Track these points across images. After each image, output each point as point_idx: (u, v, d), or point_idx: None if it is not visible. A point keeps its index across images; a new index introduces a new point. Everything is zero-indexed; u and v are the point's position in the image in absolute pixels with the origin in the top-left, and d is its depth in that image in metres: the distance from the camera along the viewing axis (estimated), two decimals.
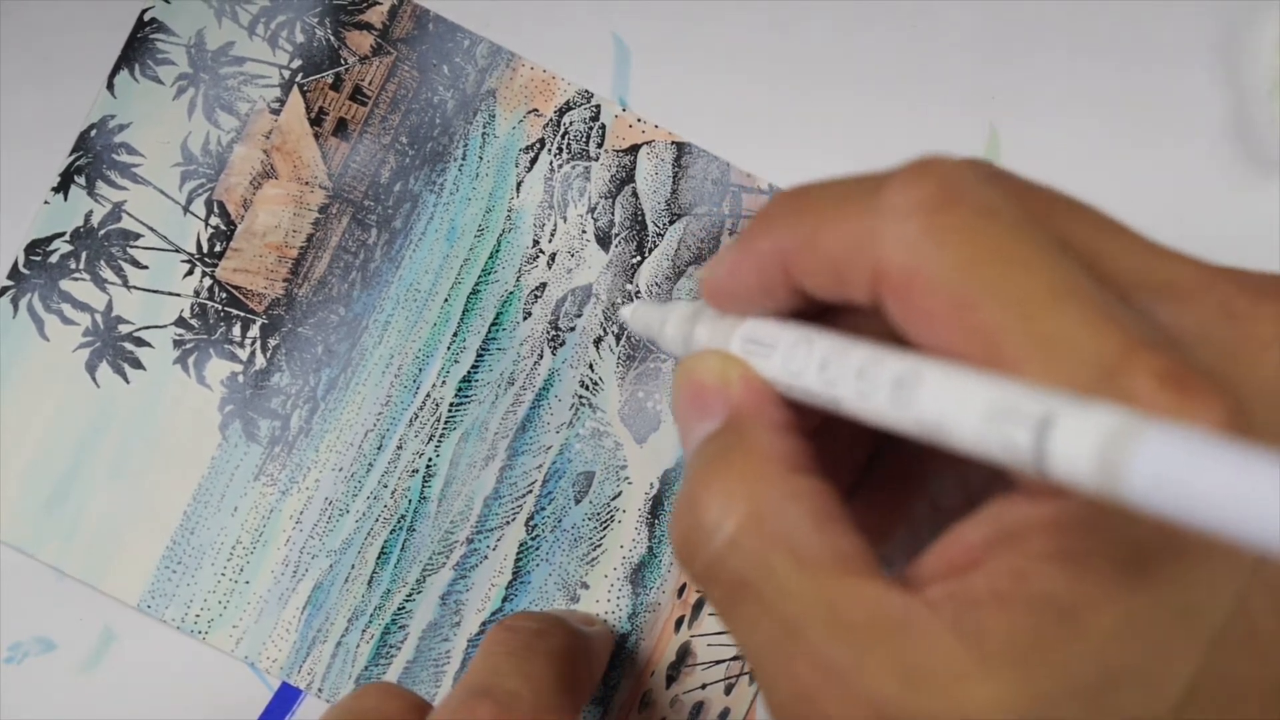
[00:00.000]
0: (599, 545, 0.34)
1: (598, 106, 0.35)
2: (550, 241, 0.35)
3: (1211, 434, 0.16)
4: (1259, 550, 0.15)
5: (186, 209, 0.35)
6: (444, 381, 0.34)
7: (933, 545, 0.21)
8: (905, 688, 0.19)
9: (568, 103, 0.35)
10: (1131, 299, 0.20)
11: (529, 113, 0.35)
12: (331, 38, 0.35)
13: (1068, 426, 0.17)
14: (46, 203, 0.34)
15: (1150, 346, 0.18)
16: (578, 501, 0.34)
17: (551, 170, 0.35)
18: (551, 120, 0.35)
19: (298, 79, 0.35)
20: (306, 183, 0.35)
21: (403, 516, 0.34)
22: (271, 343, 0.34)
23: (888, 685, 0.19)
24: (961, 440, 0.19)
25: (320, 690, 0.34)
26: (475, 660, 0.30)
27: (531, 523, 0.34)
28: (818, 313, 0.23)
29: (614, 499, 0.34)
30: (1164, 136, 0.35)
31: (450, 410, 0.34)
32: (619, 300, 0.35)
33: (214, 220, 0.35)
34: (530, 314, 0.35)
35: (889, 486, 0.27)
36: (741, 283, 0.23)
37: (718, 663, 0.34)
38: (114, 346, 0.34)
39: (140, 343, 0.34)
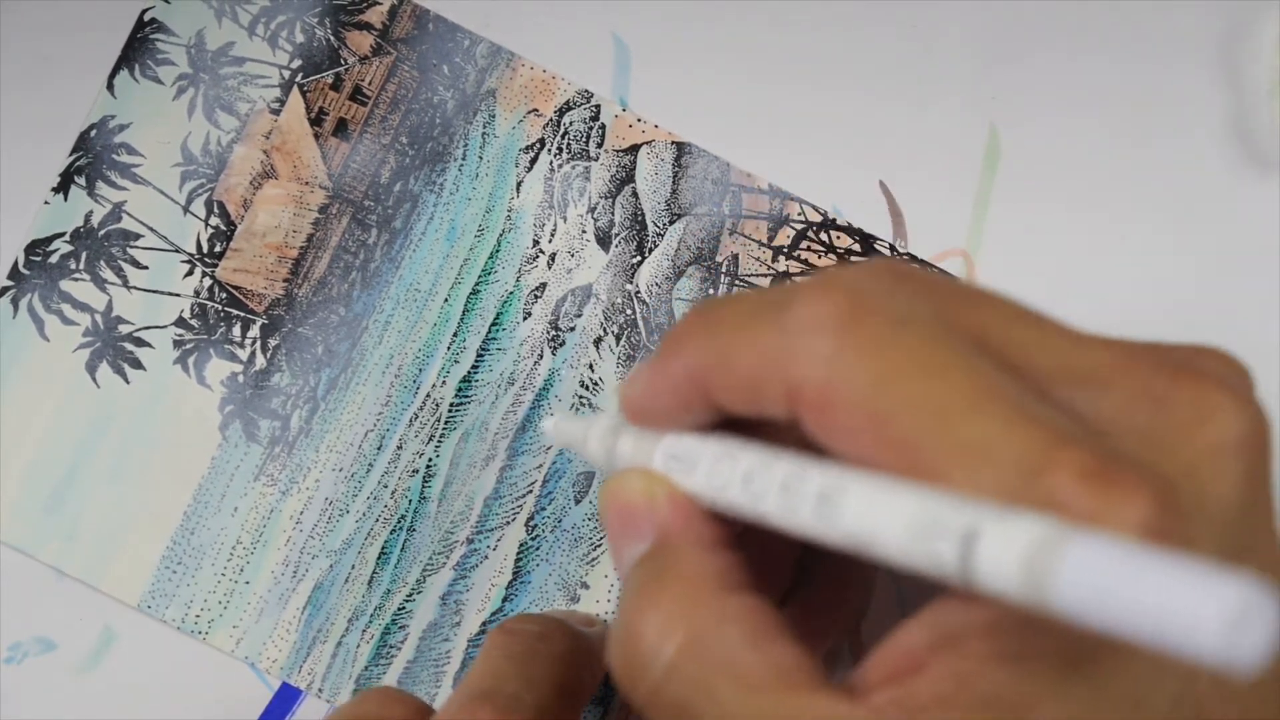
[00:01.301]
0: (599, 545, 0.34)
1: (598, 106, 0.35)
2: (550, 241, 0.35)
3: (1136, 538, 0.17)
4: (1188, 657, 0.15)
5: (186, 209, 0.35)
6: (444, 381, 0.34)
7: (874, 650, 0.21)
8: None
9: (568, 103, 0.35)
10: (1051, 391, 0.20)
11: (529, 113, 0.35)
12: (331, 38, 0.35)
13: (992, 539, 0.17)
14: (46, 203, 0.34)
15: (1071, 443, 0.18)
16: (578, 502, 0.34)
17: (551, 170, 0.35)
18: (551, 120, 0.35)
19: (298, 79, 0.35)
20: (306, 183, 0.35)
21: (403, 517, 0.34)
22: (272, 343, 0.34)
23: None
24: (888, 554, 0.19)
25: (320, 690, 0.34)
26: (475, 663, 0.30)
27: (531, 523, 0.34)
28: (739, 423, 0.23)
29: None
30: (1164, 136, 0.35)
31: (450, 410, 0.34)
32: (619, 300, 0.35)
33: (214, 220, 0.35)
34: (530, 314, 0.35)
35: (826, 582, 0.27)
36: (658, 401, 0.23)
37: None
38: (114, 347, 0.34)
39: (140, 343, 0.34)
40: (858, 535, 0.19)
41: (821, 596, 0.27)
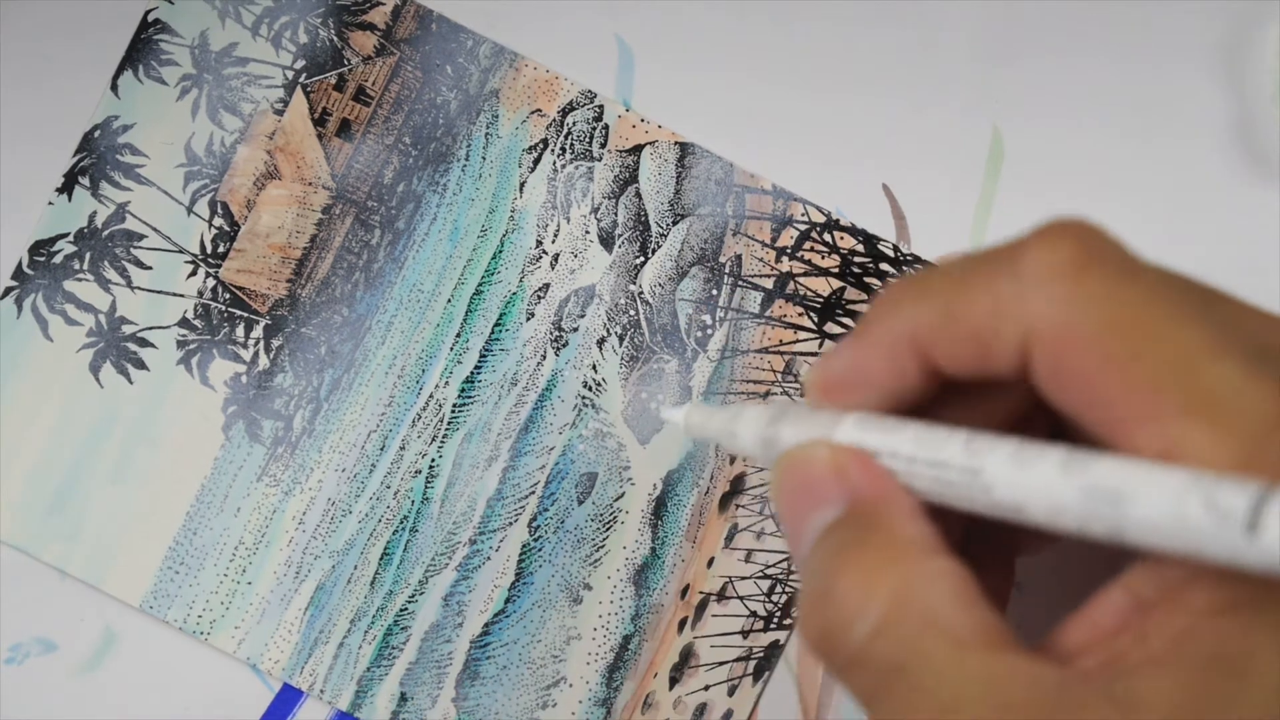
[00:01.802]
0: (602, 546, 0.34)
1: (601, 107, 0.35)
2: (553, 242, 0.35)
3: None
4: None
5: (190, 210, 0.35)
6: (447, 382, 0.34)
7: (1073, 615, 0.21)
8: None
9: (571, 103, 0.35)
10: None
11: (532, 113, 0.35)
12: (335, 38, 0.35)
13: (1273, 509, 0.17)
14: (50, 203, 0.35)
15: None
16: (580, 502, 0.34)
17: (555, 170, 0.35)
18: (555, 120, 0.35)
19: (301, 79, 0.35)
20: (310, 183, 0.35)
21: (405, 517, 0.34)
22: (275, 343, 0.34)
23: None
24: (1147, 528, 0.18)
25: (322, 692, 0.34)
26: None
27: (534, 524, 0.34)
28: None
29: (617, 500, 0.34)
30: (1166, 138, 0.35)
31: (453, 411, 0.34)
32: (622, 300, 0.35)
33: (217, 221, 0.35)
34: (533, 315, 0.35)
35: (987, 564, 0.27)
36: (867, 371, 0.23)
37: (721, 664, 0.34)
38: (118, 347, 0.34)
39: (144, 343, 0.34)
40: (1121, 518, 0.19)
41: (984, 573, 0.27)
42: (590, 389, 0.34)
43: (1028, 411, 0.24)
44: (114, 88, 0.35)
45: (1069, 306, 0.20)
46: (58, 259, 0.35)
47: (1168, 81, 0.35)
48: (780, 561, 0.34)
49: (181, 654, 0.34)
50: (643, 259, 0.35)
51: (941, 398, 0.24)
